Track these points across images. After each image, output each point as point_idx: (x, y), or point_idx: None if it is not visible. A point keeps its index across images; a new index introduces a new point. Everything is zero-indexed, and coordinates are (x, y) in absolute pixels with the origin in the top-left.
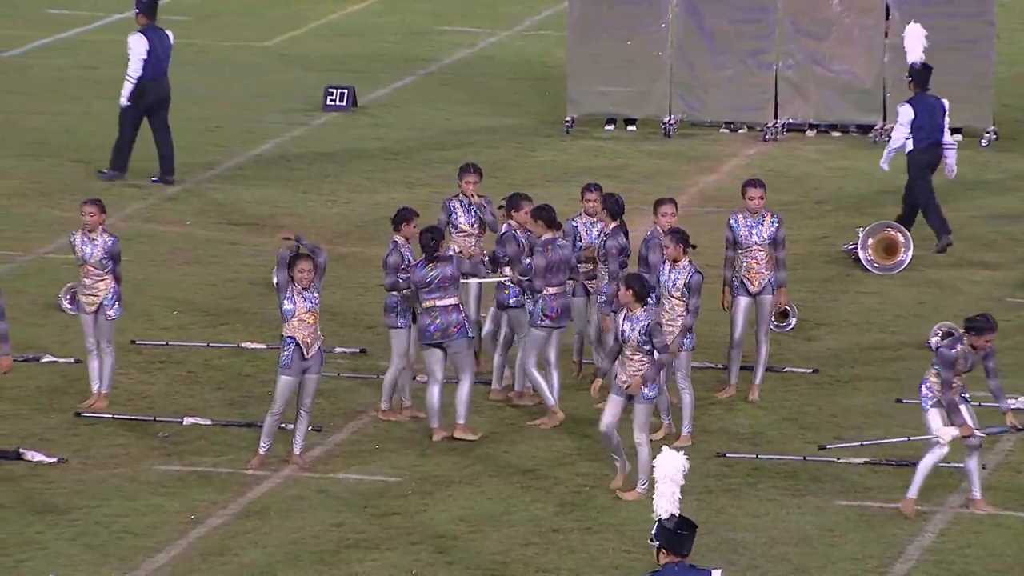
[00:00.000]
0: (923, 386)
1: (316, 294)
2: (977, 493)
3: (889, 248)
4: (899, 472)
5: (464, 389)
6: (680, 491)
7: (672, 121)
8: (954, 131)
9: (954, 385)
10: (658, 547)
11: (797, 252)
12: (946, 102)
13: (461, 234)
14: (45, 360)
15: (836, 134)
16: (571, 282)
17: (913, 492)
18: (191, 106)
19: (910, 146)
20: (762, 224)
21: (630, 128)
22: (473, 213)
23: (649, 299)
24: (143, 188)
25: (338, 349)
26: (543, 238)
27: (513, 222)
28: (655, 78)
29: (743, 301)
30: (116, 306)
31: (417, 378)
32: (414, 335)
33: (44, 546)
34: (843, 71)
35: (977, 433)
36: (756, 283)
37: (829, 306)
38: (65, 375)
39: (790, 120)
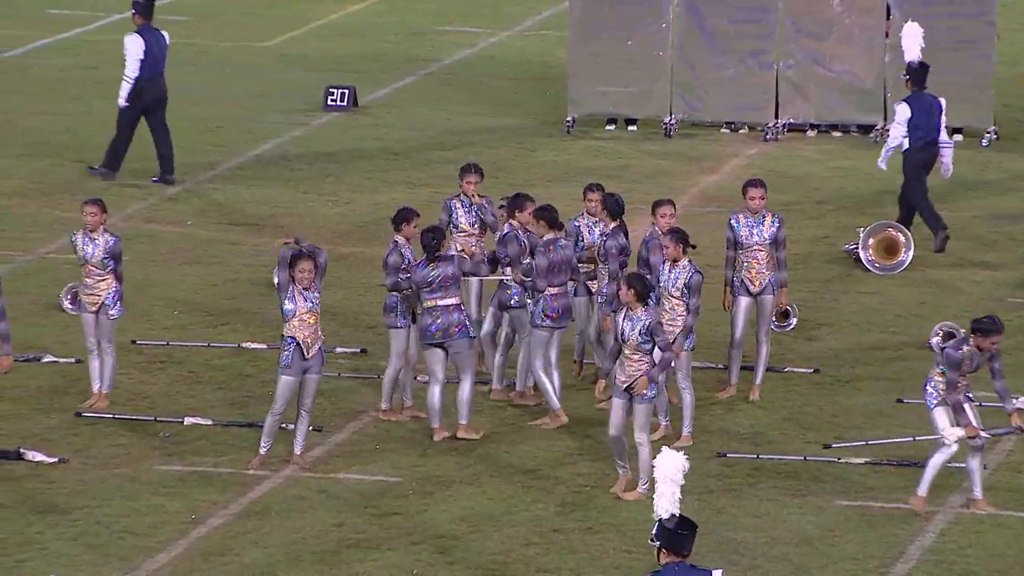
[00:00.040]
0: (928, 385)
1: (317, 294)
2: (978, 493)
3: (890, 248)
4: (900, 472)
5: (465, 389)
6: (680, 491)
7: (673, 121)
8: (955, 131)
9: (959, 385)
10: (659, 547)
11: (798, 252)
12: (943, 101)
13: (462, 234)
14: (46, 360)
15: (837, 134)
16: (572, 282)
17: (923, 490)
18: (192, 106)
19: (906, 145)
20: (763, 224)
21: (631, 128)
22: (474, 213)
23: (650, 299)
24: (143, 188)
25: (339, 349)
26: (545, 238)
27: (515, 222)
28: (656, 78)
29: (744, 301)
30: (118, 306)
31: (418, 378)
32: (414, 335)
33: (45, 546)
34: (844, 71)
35: (983, 434)
36: (757, 283)
37: (830, 306)
38: (66, 375)
39: (791, 120)
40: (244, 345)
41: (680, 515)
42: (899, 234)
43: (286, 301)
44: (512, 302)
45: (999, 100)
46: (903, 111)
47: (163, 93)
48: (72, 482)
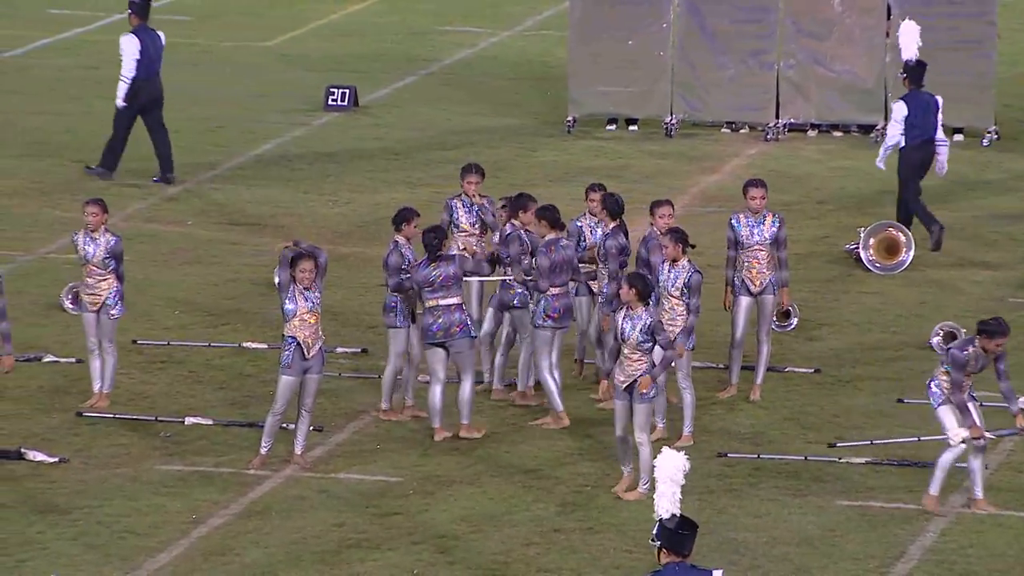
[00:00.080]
0: (932, 384)
1: (317, 294)
2: (979, 493)
3: (890, 248)
4: (901, 472)
5: (466, 389)
6: (681, 491)
7: (673, 121)
8: (955, 131)
9: (964, 385)
10: (659, 547)
11: (798, 252)
12: (939, 99)
13: (463, 234)
14: (46, 360)
15: (837, 134)
16: (573, 282)
17: (935, 489)
18: (192, 106)
19: (903, 143)
20: (763, 224)
21: (631, 128)
22: (475, 213)
23: (650, 299)
24: (144, 188)
25: (339, 349)
26: (546, 238)
27: (517, 222)
28: (656, 78)
29: (744, 301)
30: (119, 306)
31: (419, 378)
32: (416, 335)
33: (45, 546)
34: (844, 71)
35: (987, 435)
36: (758, 283)
37: (831, 306)
38: (66, 375)
39: (791, 120)
40: (245, 345)
41: (681, 515)
42: (900, 234)
43: (287, 301)
44: (515, 302)
45: (1000, 100)
46: (900, 109)
47: (159, 93)
48: (73, 482)
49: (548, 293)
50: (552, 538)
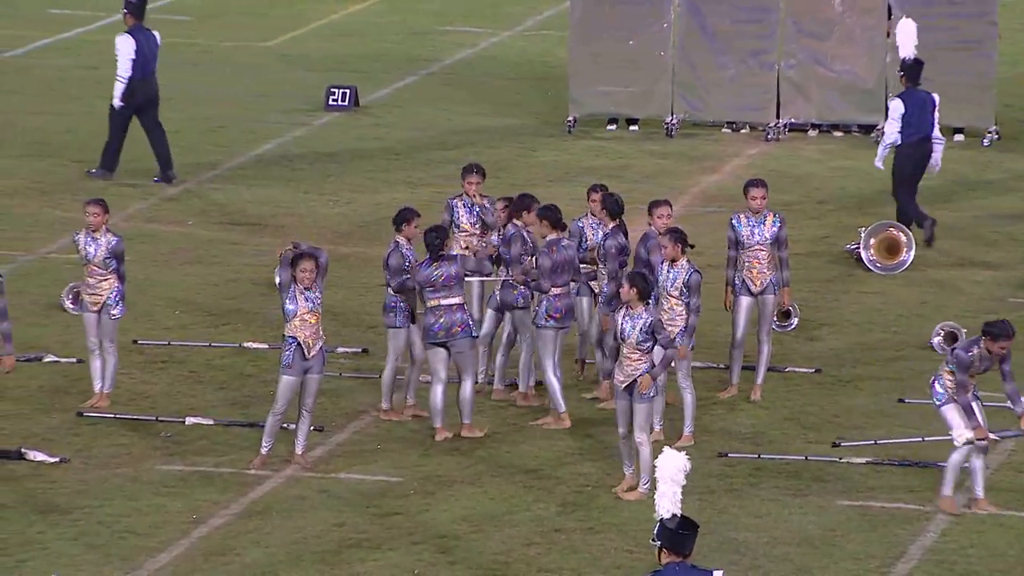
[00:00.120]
0: (936, 384)
1: (318, 294)
2: (980, 493)
3: (891, 248)
4: (902, 472)
5: (466, 389)
6: (682, 491)
7: (674, 121)
8: (956, 131)
9: (969, 386)
10: (660, 547)
11: (799, 252)
12: (936, 97)
13: (463, 234)
14: (47, 360)
15: (838, 134)
16: (574, 283)
17: (948, 490)
18: (193, 106)
19: (900, 140)
20: (764, 224)
21: (632, 128)
22: (475, 213)
23: (650, 298)
24: (144, 188)
25: (340, 349)
26: (548, 238)
27: (519, 222)
28: (657, 78)
29: (745, 301)
30: (120, 306)
31: (421, 377)
32: (416, 335)
33: (46, 546)
34: (845, 71)
35: (992, 436)
36: (758, 283)
37: (831, 306)
38: (67, 375)
39: (792, 120)
40: (245, 345)
41: (681, 515)
42: (900, 234)
43: (287, 301)
44: (518, 302)
45: (1000, 100)
46: (897, 107)
47: (155, 93)
48: (73, 482)
49: (550, 293)
50: (553, 538)
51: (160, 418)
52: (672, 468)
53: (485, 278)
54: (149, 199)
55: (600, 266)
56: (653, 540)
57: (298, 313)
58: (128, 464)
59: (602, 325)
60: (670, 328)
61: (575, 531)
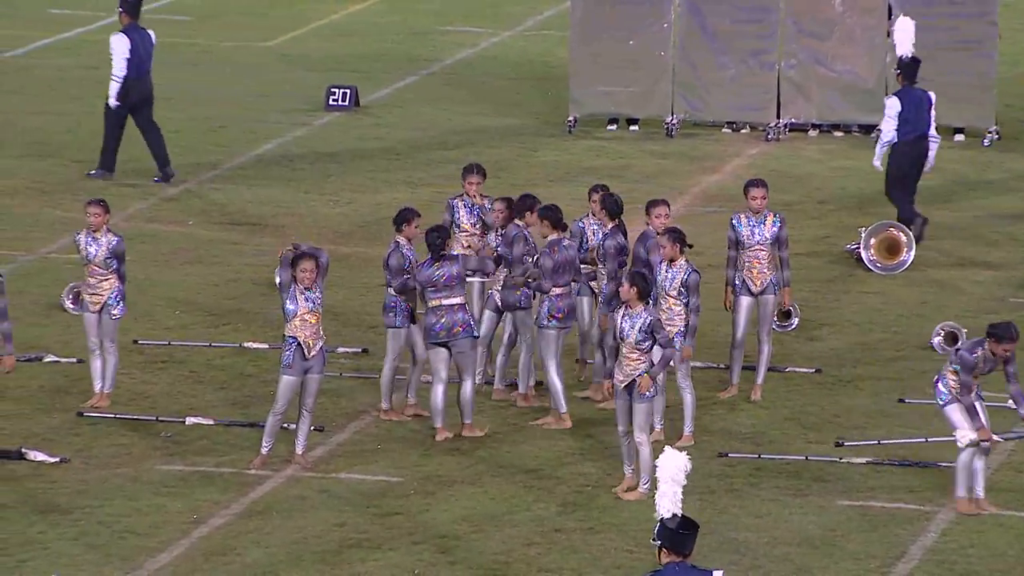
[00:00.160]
0: (939, 383)
1: (318, 294)
2: (980, 493)
3: (891, 248)
4: (902, 472)
5: (467, 389)
6: (682, 491)
7: (674, 121)
8: (956, 131)
9: (972, 387)
10: (660, 547)
11: (799, 252)
12: (932, 95)
13: (464, 234)
14: (47, 360)
15: (838, 134)
16: (574, 283)
17: (961, 491)
18: (193, 106)
19: (896, 138)
20: (764, 224)
21: (632, 128)
22: (476, 213)
23: (649, 298)
24: (145, 188)
25: (340, 349)
26: (549, 239)
27: (521, 222)
28: (657, 78)
29: (745, 301)
30: (121, 306)
31: (422, 377)
32: (417, 335)
33: (46, 546)
34: (845, 71)
35: (995, 438)
36: (759, 283)
37: (831, 306)
38: (67, 375)
39: (792, 120)
40: (246, 345)
41: (682, 515)
42: (900, 234)
43: (287, 301)
44: (520, 303)
45: (1001, 100)
46: (893, 105)
47: (149, 92)
48: (74, 482)
49: (552, 294)
50: (553, 538)
51: (160, 418)
52: (673, 468)
53: (486, 278)
54: (149, 199)
55: (600, 266)
56: (653, 540)
57: (298, 313)
58: (128, 464)
59: (600, 325)
60: (668, 328)
61: (575, 531)
